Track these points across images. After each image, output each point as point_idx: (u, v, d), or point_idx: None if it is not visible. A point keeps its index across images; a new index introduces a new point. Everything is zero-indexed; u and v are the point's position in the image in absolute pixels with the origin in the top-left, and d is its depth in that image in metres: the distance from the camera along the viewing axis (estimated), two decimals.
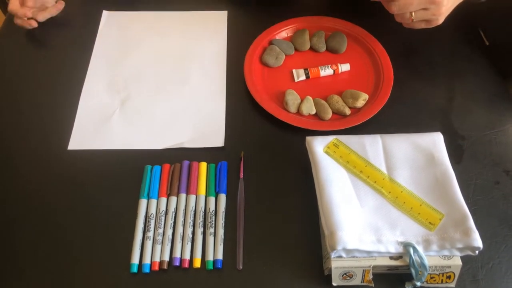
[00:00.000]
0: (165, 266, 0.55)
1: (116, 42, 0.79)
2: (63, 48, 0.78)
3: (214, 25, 0.81)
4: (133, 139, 0.67)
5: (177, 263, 0.55)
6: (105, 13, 0.83)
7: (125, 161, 0.64)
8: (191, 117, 0.69)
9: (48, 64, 0.76)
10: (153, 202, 0.60)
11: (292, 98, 0.69)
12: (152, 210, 0.59)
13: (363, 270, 0.51)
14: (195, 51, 0.77)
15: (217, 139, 0.66)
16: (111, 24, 0.82)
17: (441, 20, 0.66)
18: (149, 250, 0.56)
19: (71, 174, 0.63)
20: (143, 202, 0.60)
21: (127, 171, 0.63)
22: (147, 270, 0.55)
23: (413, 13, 0.64)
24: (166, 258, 0.56)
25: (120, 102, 0.71)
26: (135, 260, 0.55)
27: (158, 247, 0.56)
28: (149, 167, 0.63)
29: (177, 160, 0.64)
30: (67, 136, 0.67)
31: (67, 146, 0.66)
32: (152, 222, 0.58)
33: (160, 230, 0.58)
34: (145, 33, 0.80)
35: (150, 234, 0.57)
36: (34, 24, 0.77)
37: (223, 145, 0.65)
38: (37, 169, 0.64)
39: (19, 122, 0.69)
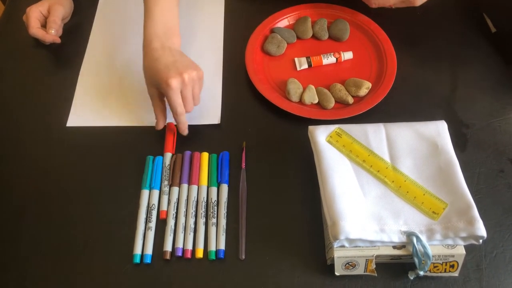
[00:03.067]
0: (168, 257, 0.55)
1: (114, 22, 0.79)
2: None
3: (211, 14, 0.80)
4: (131, 116, 0.67)
5: (180, 254, 0.55)
6: None
7: (124, 138, 0.65)
8: None
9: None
10: (155, 192, 0.60)
11: (294, 87, 0.68)
12: (154, 201, 0.59)
13: (366, 259, 0.51)
14: (191, 38, 0.76)
15: (213, 115, 0.67)
16: (109, 4, 0.82)
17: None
18: (151, 241, 0.56)
19: (70, 151, 0.64)
20: (145, 193, 0.59)
21: (126, 148, 0.64)
22: (149, 260, 0.55)
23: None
24: (169, 248, 0.56)
25: (118, 80, 0.71)
26: (138, 250, 0.55)
27: None
28: (150, 157, 0.62)
29: (179, 151, 0.63)
30: (66, 113, 0.67)
31: (66, 122, 0.66)
32: (154, 212, 0.58)
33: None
34: (142, 15, 0.79)
35: (152, 224, 0.57)
36: (58, 40, 0.75)
37: (219, 122, 0.66)
38: (36, 145, 0.64)
39: (17, 98, 0.69)
